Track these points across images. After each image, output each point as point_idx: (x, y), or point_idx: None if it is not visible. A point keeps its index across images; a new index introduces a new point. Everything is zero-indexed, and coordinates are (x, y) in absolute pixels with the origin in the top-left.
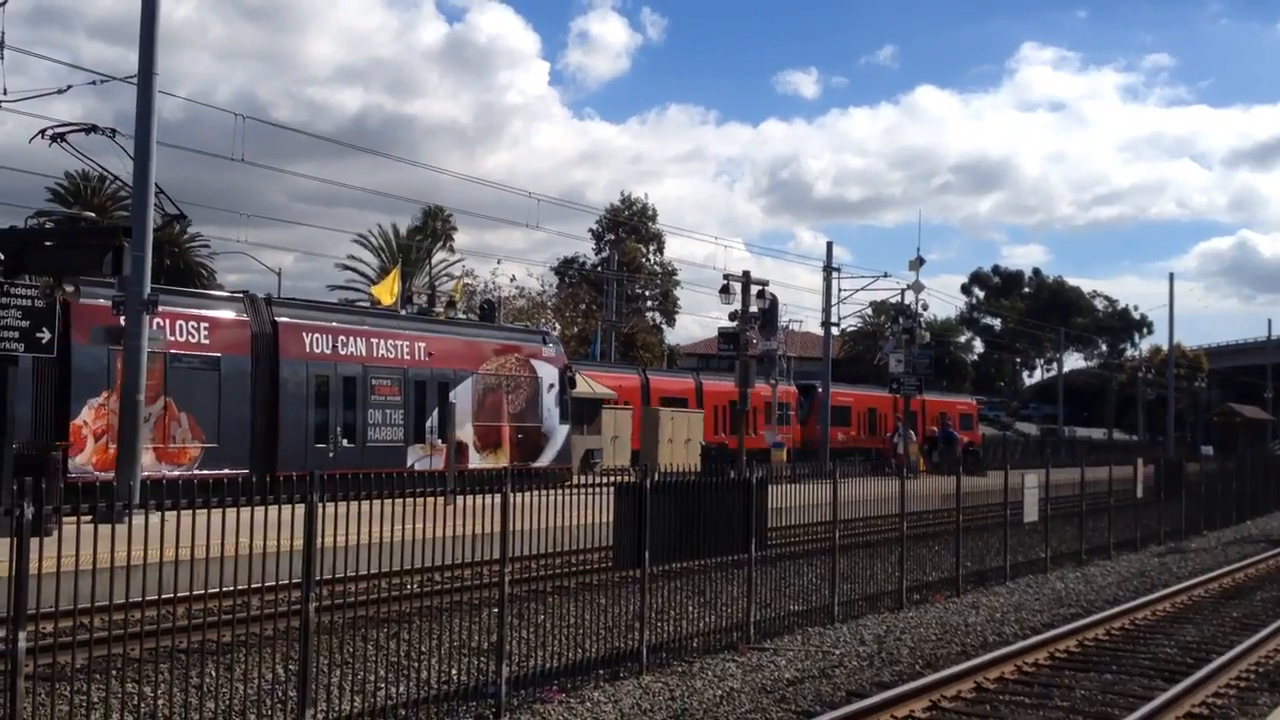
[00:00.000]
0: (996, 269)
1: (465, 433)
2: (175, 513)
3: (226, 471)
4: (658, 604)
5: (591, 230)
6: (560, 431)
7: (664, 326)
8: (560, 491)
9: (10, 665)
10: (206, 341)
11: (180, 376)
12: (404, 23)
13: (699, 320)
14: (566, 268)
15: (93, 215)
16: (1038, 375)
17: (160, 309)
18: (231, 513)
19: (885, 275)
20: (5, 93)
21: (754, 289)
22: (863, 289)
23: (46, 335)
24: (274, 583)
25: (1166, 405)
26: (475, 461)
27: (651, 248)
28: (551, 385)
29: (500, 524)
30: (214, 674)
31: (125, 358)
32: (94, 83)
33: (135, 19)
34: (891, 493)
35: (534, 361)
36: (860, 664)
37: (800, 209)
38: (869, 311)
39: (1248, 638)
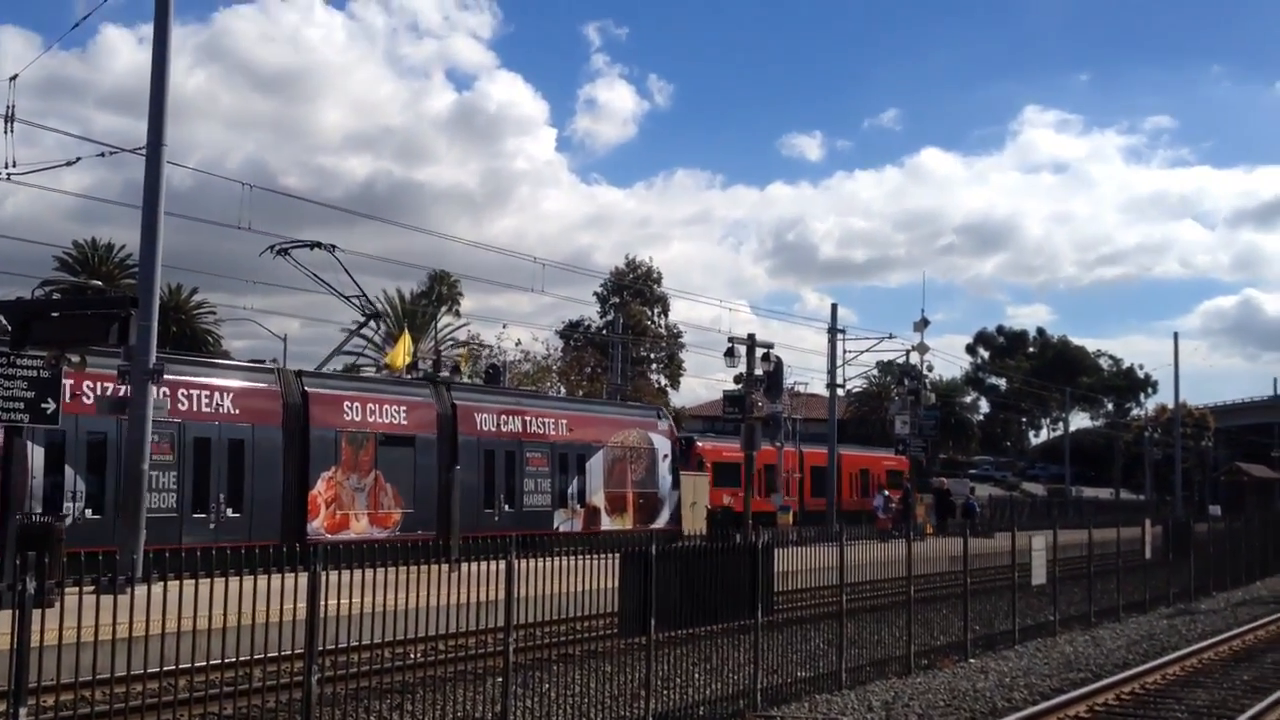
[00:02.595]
0: (1001, 329)
1: (598, 499)
2: (178, 583)
3: (420, 534)
4: (664, 671)
5: (596, 294)
6: (672, 496)
7: (669, 389)
8: (566, 558)
9: None
10: (405, 422)
11: (386, 453)
12: (414, 92)
13: (705, 382)
14: (571, 331)
15: (100, 284)
16: (1044, 435)
17: (372, 395)
18: (235, 582)
19: (890, 336)
20: (14, 164)
21: (759, 351)
22: (868, 350)
23: (51, 406)
24: (276, 653)
25: (1173, 464)
26: (606, 524)
27: (656, 310)
28: (665, 455)
29: (505, 591)
30: None
31: (130, 427)
32: (103, 154)
33: (146, 89)
34: (899, 556)
35: (651, 434)
36: None
37: (805, 271)
38: (875, 372)
39: (1259, 701)
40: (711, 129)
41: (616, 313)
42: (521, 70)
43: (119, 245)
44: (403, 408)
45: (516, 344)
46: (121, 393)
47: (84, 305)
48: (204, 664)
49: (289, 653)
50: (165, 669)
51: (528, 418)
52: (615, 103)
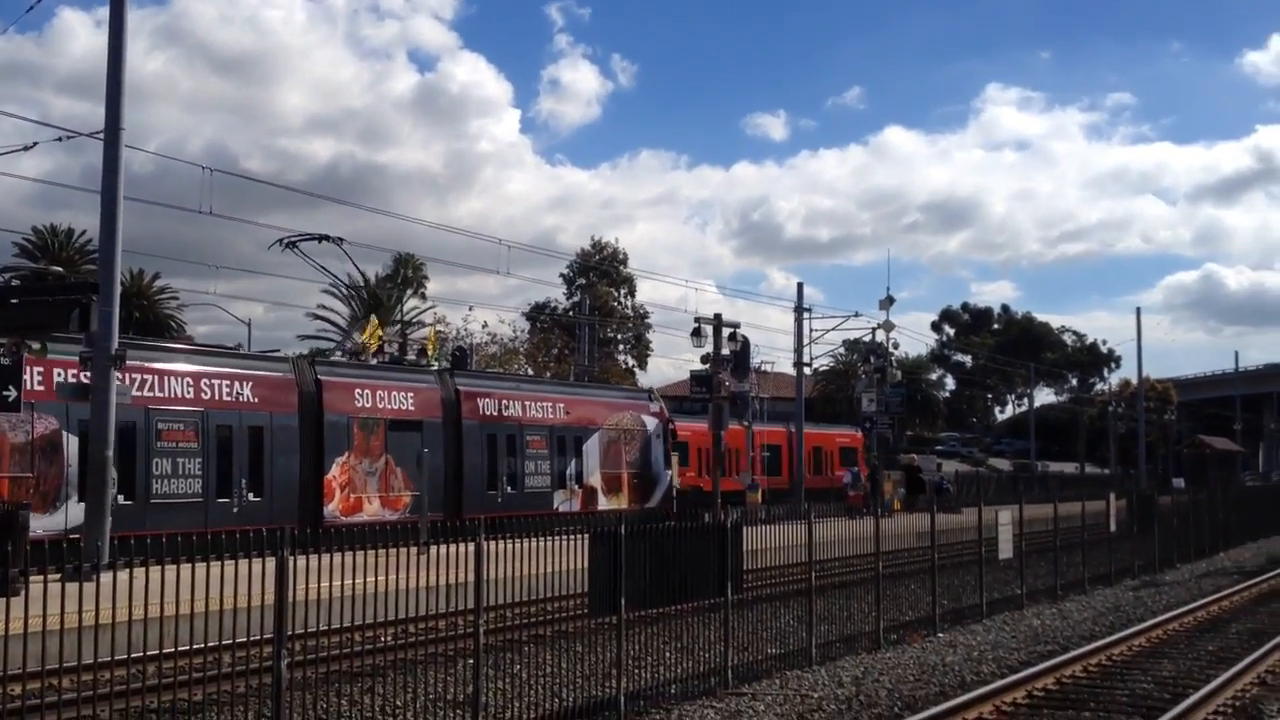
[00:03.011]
0: (966, 306)
1: (595, 479)
2: (144, 570)
3: (429, 515)
4: (635, 651)
5: (563, 275)
6: (665, 476)
7: (636, 370)
8: (536, 539)
9: None
10: (412, 408)
11: (395, 438)
12: (376, 74)
13: (672, 362)
14: (538, 313)
15: (60, 270)
16: (1009, 411)
17: (382, 382)
18: (201, 569)
19: (856, 314)
20: None
21: (726, 331)
22: (834, 329)
23: (13, 393)
24: (245, 639)
25: (1137, 438)
26: (603, 504)
27: (623, 291)
28: (658, 436)
29: (475, 573)
30: None
31: (93, 413)
32: (60, 139)
33: (104, 73)
34: (867, 533)
35: (644, 416)
36: (839, 707)
37: (771, 250)
38: (841, 351)
39: (1224, 671)
40: (676, 109)
41: (583, 294)
42: (484, 51)
43: (79, 231)
44: (410, 394)
45: (483, 326)
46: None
47: (44, 292)
48: (172, 650)
49: (258, 638)
50: (133, 655)
51: (527, 402)
52: (579, 83)
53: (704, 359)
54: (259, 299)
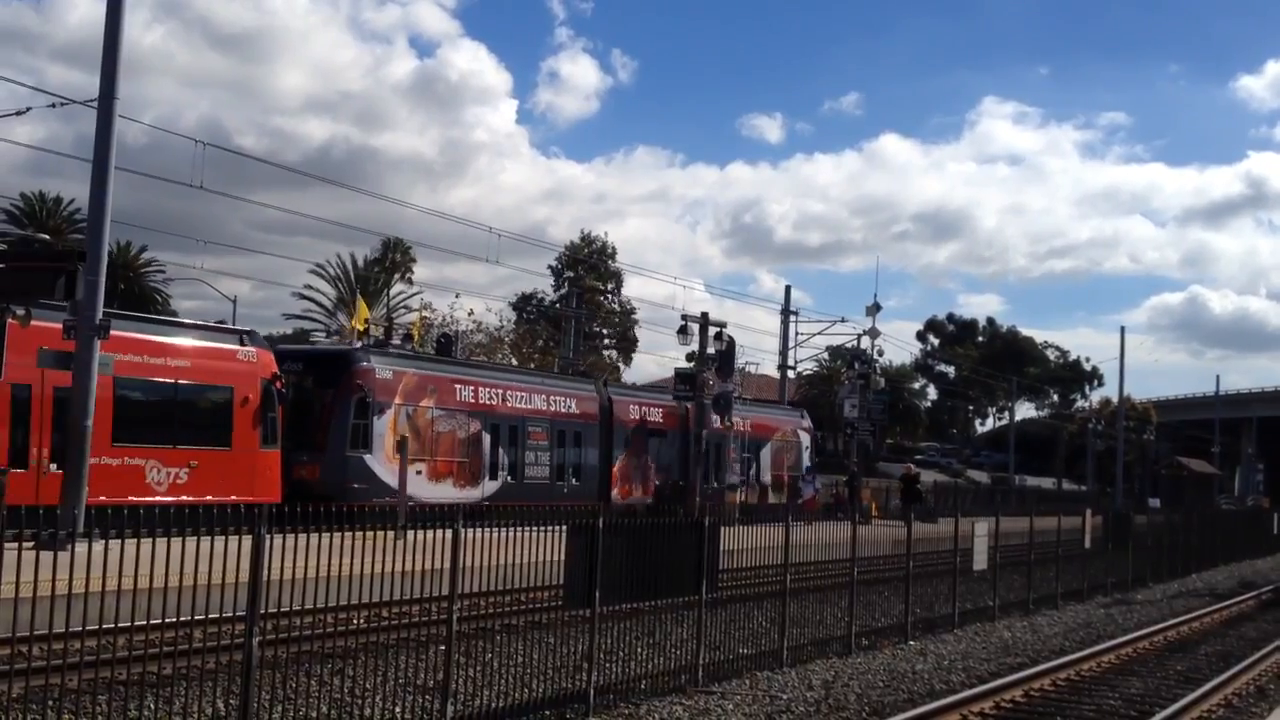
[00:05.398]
0: (951, 317)
1: (766, 478)
2: (120, 542)
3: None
4: (607, 644)
5: (551, 267)
6: (810, 480)
7: (621, 365)
8: (512, 529)
9: None
10: (661, 421)
11: (651, 442)
12: (376, 57)
13: (657, 360)
14: (525, 303)
15: (47, 238)
16: (990, 423)
17: (644, 400)
18: (177, 543)
19: (843, 320)
20: None
21: (712, 330)
22: (820, 333)
23: None
24: (218, 615)
25: (1116, 456)
26: (770, 499)
27: (610, 286)
28: (805, 446)
29: (450, 560)
30: (153, 707)
31: (74, 382)
32: (53, 105)
33: (101, 41)
34: (844, 538)
35: (798, 430)
36: (807, 710)
37: (761, 252)
38: (826, 355)
39: (1191, 691)
40: (673, 107)
41: (571, 286)
42: (485, 40)
43: (68, 199)
44: (660, 409)
45: (469, 314)
46: None
47: (31, 258)
48: (144, 623)
49: (231, 615)
50: (104, 627)
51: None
52: (578, 77)
53: (689, 357)
54: (246, 276)
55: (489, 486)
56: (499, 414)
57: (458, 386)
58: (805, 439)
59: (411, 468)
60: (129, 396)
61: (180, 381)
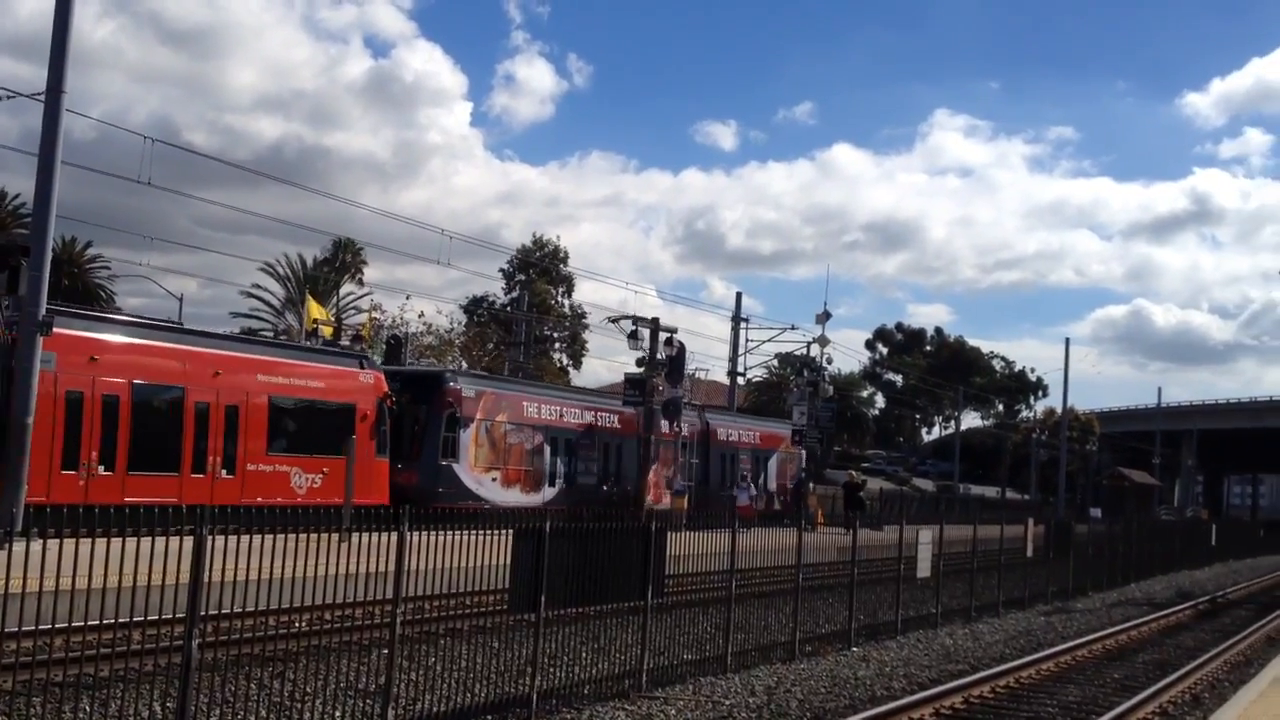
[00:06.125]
0: (900, 326)
1: (773, 486)
2: (58, 541)
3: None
4: (551, 649)
5: (502, 270)
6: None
7: (571, 369)
8: (459, 532)
9: None
10: (686, 433)
11: (665, 452)
12: (330, 57)
13: (607, 365)
14: (476, 306)
15: None
16: (936, 432)
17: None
18: (117, 543)
19: (793, 328)
20: None
21: (662, 336)
22: (770, 340)
23: None
24: (157, 617)
25: (1058, 466)
26: (776, 506)
27: (561, 290)
28: (800, 459)
29: (395, 563)
30: (89, 710)
31: (16, 380)
32: (0, 98)
33: (50, 34)
34: (789, 545)
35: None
36: (749, 715)
37: (713, 259)
38: (775, 363)
39: (1127, 699)
40: (629, 112)
41: (522, 290)
42: (441, 41)
43: (14, 194)
44: (688, 424)
45: (420, 316)
46: None
47: None
48: (82, 624)
49: (171, 616)
50: (41, 627)
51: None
52: (534, 80)
53: (639, 362)
54: (194, 274)
55: (548, 492)
56: (556, 428)
57: (525, 403)
58: (802, 450)
59: (487, 475)
60: (280, 413)
61: (317, 400)
